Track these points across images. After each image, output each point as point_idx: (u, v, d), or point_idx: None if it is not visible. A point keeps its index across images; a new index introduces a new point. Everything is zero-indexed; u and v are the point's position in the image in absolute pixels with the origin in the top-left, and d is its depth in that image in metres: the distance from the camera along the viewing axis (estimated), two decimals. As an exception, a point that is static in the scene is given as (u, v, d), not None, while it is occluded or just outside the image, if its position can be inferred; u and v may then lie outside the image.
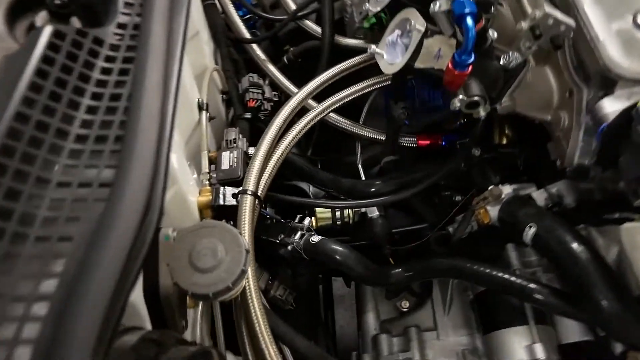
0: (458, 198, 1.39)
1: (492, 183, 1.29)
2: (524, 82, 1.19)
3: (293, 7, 1.70)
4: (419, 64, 1.07)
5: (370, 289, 1.56)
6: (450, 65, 0.98)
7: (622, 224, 1.19)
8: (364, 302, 1.57)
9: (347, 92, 1.45)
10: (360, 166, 1.52)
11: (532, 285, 1.12)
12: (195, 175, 1.25)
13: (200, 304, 1.19)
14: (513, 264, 1.26)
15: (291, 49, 1.79)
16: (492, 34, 1.11)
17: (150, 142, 0.58)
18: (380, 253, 1.36)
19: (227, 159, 1.21)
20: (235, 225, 1.13)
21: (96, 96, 0.64)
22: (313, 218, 1.38)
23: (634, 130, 0.87)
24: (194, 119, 1.23)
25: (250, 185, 1.15)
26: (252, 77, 1.54)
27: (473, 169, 1.34)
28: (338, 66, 1.49)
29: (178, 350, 0.78)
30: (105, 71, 0.66)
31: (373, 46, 1.13)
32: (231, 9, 1.68)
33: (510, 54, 1.11)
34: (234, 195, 1.16)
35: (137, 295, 0.91)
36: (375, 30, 1.74)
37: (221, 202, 1.15)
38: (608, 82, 1.06)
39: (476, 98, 1.09)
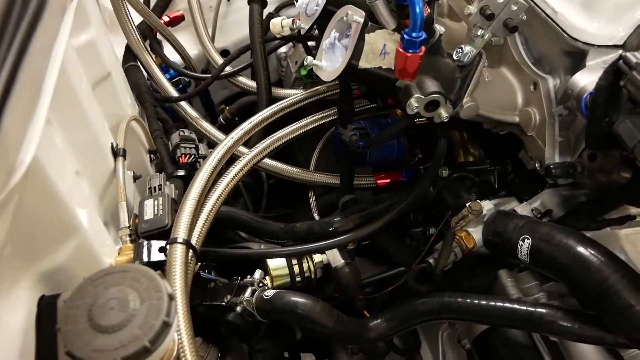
0: (432, 231, 1.20)
1: (467, 201, 1.11)
2: (483, 81, 1.06)
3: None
4: (363, 64, 0.93)
5: (345, 354, 1.28)
6: (399, 48, 0.84)
7: (623, 224, 1.03)
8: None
9: (283, 133, 1.29)
10: (316, 215, 1.33)
11: (541, 310, 0.90)
12: (117, 237, 1.01)
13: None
14: (511, 292, 1.05)
15: (226, 108, 1.65)
16: (440, 28, 1.00)
17: None
18: (352, 308, 1.12)
19: (151, 208, 0.99)
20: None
21: None
22: (267, 277, 1.14)
23: (627, 82, 0.73)
24: (108, 168, 1.02)
25: (180, 233, 0.93)
26: (182, 131, 1.37)
27: (443, 191, 1.16)
28: (273, 106, 1.34)
29: None
30: None
31: (310, 57, 0.99)
32: (156, 70, 1.54)
33: (463, 47, 0.99)
34: (162, 249, 0.93)
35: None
36: (314, 78, 1.65)
37: (145, 258, 0.91)
38: (576, 58, 0.95)
39: (434, 95, 0.95)
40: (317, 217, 1.32)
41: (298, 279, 1.15)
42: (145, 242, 0.95)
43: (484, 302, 0.95)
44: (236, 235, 1.28)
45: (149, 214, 0.98)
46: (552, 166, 0.99)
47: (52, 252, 0.78)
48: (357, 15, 0.90)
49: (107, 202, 1.02)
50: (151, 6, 1.68)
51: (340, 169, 1.27)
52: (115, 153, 1.03)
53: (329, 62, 0.98)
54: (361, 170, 1.38)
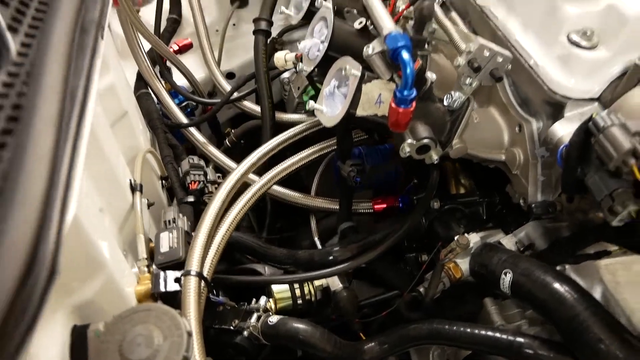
0: (424, 258, 1.29)
1: (456, 234, 1.21)
2: (471, 122, 1.15)
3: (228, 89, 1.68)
4: (360, 112, 1.02)
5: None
6: (392, 104, 0.92)
7: (600, 259, 1.12)
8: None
9: (289, 162, 1.37)
10: (316, 238, 1.42)
11: (520, 339, 1.00)
12: (133, 264, 1.11)
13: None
14: (494, 319, 1.14)
15: (232, 131, 1.74)
16: (431, 75, 1.08)
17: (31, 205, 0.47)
18: (350, 330, 1.21)
19: (167, 241, 1.08)
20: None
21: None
22: (271, 299, 1.23)
23: (595, 143, 0.82)
24: (127, 202, 1.11)
25: (193, 266, 1.02)
26: (192, 159, 1.46)
27: (434, 222, 1.25)
28: (278, 137, 1.43)
29: None
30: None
31: (311, 102, 1.08)
32: (166, 96, 1.63)
33: (453, 94, 1.08)
34: (177, 280, 1.02)
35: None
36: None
37: (162, 288, 1.00)
38: (556, 107, 1.04)
39: (425, 141, 1.04)
40: (317, 240, 1.41)
41: (299, 301, 1.24)
42: (161, 273, 1.04)
43: (468, 330, 1.04)
44: (243, 257, 1.38)
45: (164, 247, 1.07)
46: (533, 205, 1.08)
47: (82, 288, 0.87)
48: (354, 69, 0.99)
49: (126, 233, 1.11)
50: (161, 30, 1.78)
51: (340, 197, 1.35)
52: (133, 188, 1.12)
53: (329, 108, 1.07)
54: (359, 195, 1.47)
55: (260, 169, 1.41)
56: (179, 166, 1.47)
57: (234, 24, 1.96)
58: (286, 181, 1.43)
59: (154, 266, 1.05)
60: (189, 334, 0.77)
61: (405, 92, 0.91)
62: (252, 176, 1.41)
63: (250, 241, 1.32)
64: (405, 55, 0.89)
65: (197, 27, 1.77)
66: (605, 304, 1.18)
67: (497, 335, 1.02)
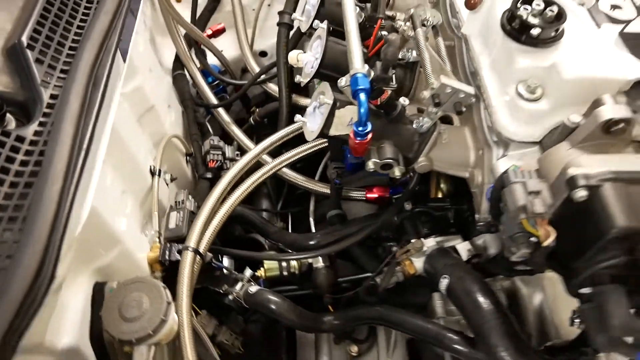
0: (395, 249, 1.49)
1: (421, 235, 1.40)
2: (440, 143, 1.30)
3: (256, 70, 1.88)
4: (333, 132, 1.20)
5: (326, 335, 1.65)
6: (351, 134, 1.11)
7: (532, 274, 1.29)
8: (320, 347, 1.67)
9: (301, 149, 1.58)
10: (312, 219, 1.65)
11: (444, 332, 1.21)
12: (151, 232, 1.39)
13: (152, 348, 1.32)
14: (437, 312, 1.35)
15: (257, 110, 1.95)
16: (404, 101, 1.24)
17: (42, 233, 0.73)
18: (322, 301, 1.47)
19: (174, 219, 1.36)
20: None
21: (13, 184, 0.79)
22: (262, 268, 1.50)
23: (503, 194, 0.98)
24: (147, 183, 1.39)
25: (191, 243, 1.29)
26: (212, 140, 1.70)
27: (404, 221, 1.45)
28: (292, 125, 1.63)
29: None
30: (23, 163, 0.82)
31: (298, 115, 1.27)
32: (199, 77, 1.86)
33: (421, 119, 1.24)
34: (179, 251, 1.30)
35: (83, 341, 1.05)
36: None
37: (167, 257, 1.29)
38: (505, 143, 1.18)
39: (388, 160, 1.21)
40: (311, 220, 1.64)
41: (285, 273, 1.50)
42: (169, 245, 1.32)
43: (407, 318, 1.27)
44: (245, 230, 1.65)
45: (172, 224, 1.35)
46: (478, 223, 1.25)
47: (103, 255, 1.16)
48: (327, 98, 1.17)
49: (147, 207, 1.39)
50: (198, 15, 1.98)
51: (331, 189, 1.56)
52: (153, 173, 1.38)
53: (311, 124, 1.26)
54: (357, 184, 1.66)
55: (275, 152, 1.64)
56: (203, 144, 1.72)
57: (268, 4, 2.11)
58: (304, 167, 1.65)
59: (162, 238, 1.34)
60: (169, 303, 1.05)
61: (360, 128, 1.09)
62: (266, 157, 1.65)
63: (252, 216, 1.57)
64: (362, 97, 1.06)
65: (234, 8, 1.96)
66: (541, 311, 1.36)
67: (428, 326, 1.24)
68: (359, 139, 1.11)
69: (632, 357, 0.90)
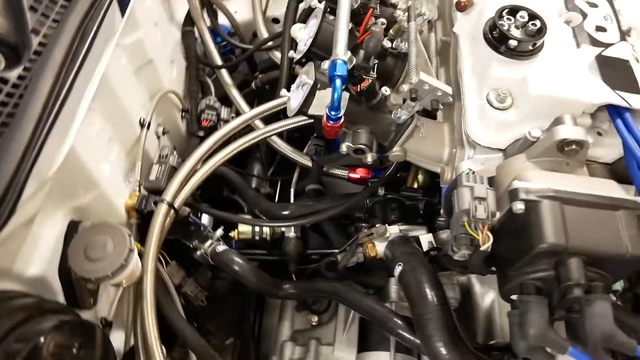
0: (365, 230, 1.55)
1: (388, 220, 1.45)
2: (417, 136, 1.34)
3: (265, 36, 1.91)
4: (311, 111, 1.24)
5: (291, 302, 1.74)
6: (324, 118, 1.15)
7: (485, 275, 1.34)
8: (284, 311, 1.75)
9: (292, 121, 1.63)
10: (292, 189, 1.71)
11: (390, 316, 1.28)
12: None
13: (121, 288, 1.42)
14: (391, 296, 1.41)
15: (260, 76, 1.99)
16: (385, 91, 1.27)
17: (7, 172, 0.80)
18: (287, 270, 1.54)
19: (155, 172, 1.43)
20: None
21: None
22: (236, 230, 1.57)
23: (453, 195, 1.02)
24: (136, 134, 1.45)
25: (167, 196, 1.36)
26: (209, 99, 1.75)
27: (375, 205, 1.50)
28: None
29: (46, 318, 0.98)
30: (3, 104, 0.88)
31: (284, 90, 1.32)
32: (207, 36, 1.90)
33: (399, 110, 1.27)
34: (155, 203, 1.37)
35: (51, 273, 1.14)
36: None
37: (143, 207, 1.36)
38: (473, 146, 1.21)
39: (361, 146, 1.26)
40: (292, 191, 1.70)
41: (257, 237, 1.57)
42: (147, 195, 1.39)
43: (359, 297, 1.34)
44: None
45: (153, 176, 1.42)
46: (439, 219, 1.29)
47: (80, 196, 1.23)
48: (309, 78, 1.21)
49: (132, 157, 1.46)
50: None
51: (312, 163, 1.61)
52: (142, 125, 1.45)
53: (294, 100, 1.30)
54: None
55: (270, 120, 1.69)
56: (200, 103, 1.78)
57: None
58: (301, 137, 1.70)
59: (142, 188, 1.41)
60: (131, 250, 1.12)
61: (333, 112, 1.13)
62: (258, 123, 1.70)
63: (233, 178, 1.64)
64: (337, 82, 1.09)
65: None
66: (490, 310, 1.42)
67: (377, 308, 1.30)
68: (330, 122, 1.15)
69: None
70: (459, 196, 0.99)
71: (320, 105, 1.26)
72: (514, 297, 0.99)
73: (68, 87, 0.94)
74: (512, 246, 0.96)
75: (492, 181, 1.05)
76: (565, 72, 1.05)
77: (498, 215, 0.99)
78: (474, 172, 1.03)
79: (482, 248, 0.96)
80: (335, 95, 1.10)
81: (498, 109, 1.10)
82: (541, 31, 1.05)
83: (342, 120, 1.16)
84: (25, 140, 0.84)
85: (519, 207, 0.91)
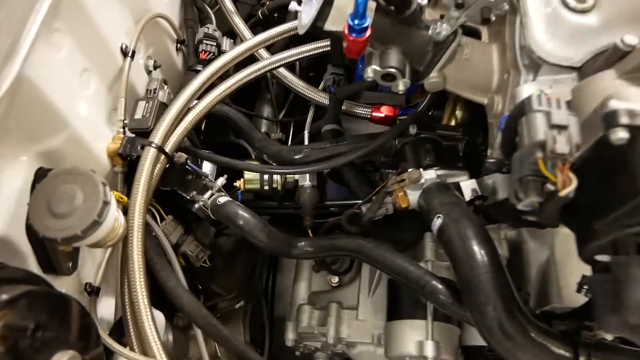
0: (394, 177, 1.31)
1: (422, 164, 1.21)
2: (459, 59, 1.07)
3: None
4: (329, 26, 0.98)
5: (308, 261, 1.52)
6: (345, 29, 0.89)
7: (543, 228, 1.10)
8: (300, 271, 1.55)
9: (304, 48, 1.37)
10: (307, 131, 1.46)
11: (428, 278, 1.05)
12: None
13: (107, 251, 1.21)
14: (427, 254, 1.18)
15: (267, 2, 1.72)
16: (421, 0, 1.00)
17: None
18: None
19: (142, 109, 1.19)
20: (135, 175, 1.11)
21: None
22: (242, 179, 1.35)
23: (520, 124, 0.77)
24: (117, 65, 1.21)
25: (156, 139, 1.13)
26: (207, 28, 1.49)
27: (405, 147, 1.25)
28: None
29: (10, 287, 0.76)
30: None
31: (293, 2, 1.05)
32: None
33: (439, 25, 1.01)
34: (142, 147, 1.14)
35: (16, 231, 0.93)
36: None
37: (128, 151, 1.14)
38: (537, 66, 0.95)
39: (392, 70, 1.00)
40: (306, 133, 1.45)
41: (266, 187, 1.35)
42: (132, 137, 1.16)
43: (387, 256, 1.11)
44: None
45: (138, 114, 1.18)
46: (487, 160, 1.04)
47: (47, 138, 1.01)
48: (324, -21, 0.94)
49: (116, 94, 1.22)
50: None
51: (330, 99, 1.36)
52: (125, 53, 1.20)
53: (306, 14, 1.04)
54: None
55: (278, 49, 1.44)
56: (197, 32, 1.52)
57: None
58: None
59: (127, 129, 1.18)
60: (106, 203, 0.90)
61: (356, 21, 0.87)
62: (264, 53, 1.44)
63: (237, 118, 1.39)
64: (359, -20, 0.83)
65: None
66: (546, 269, 1.18)
67: (411, 268, 1.08)
68: (353, 35, 0.90)
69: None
70: (531, 124, 0.73)
71: (339, 16, 0.99)
72: (601, 257, 0.75)
73: None
74: (603, 191, 0.72)
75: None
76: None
77: (581, 149, 0.74)
78: (547, 95, 0.77)
79: (562, 193, 0.71)
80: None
81: (575, 10, 0.83)
82: None
83: (369, 33, 0.90)
84: None
85: (619, 135, 0.65)
